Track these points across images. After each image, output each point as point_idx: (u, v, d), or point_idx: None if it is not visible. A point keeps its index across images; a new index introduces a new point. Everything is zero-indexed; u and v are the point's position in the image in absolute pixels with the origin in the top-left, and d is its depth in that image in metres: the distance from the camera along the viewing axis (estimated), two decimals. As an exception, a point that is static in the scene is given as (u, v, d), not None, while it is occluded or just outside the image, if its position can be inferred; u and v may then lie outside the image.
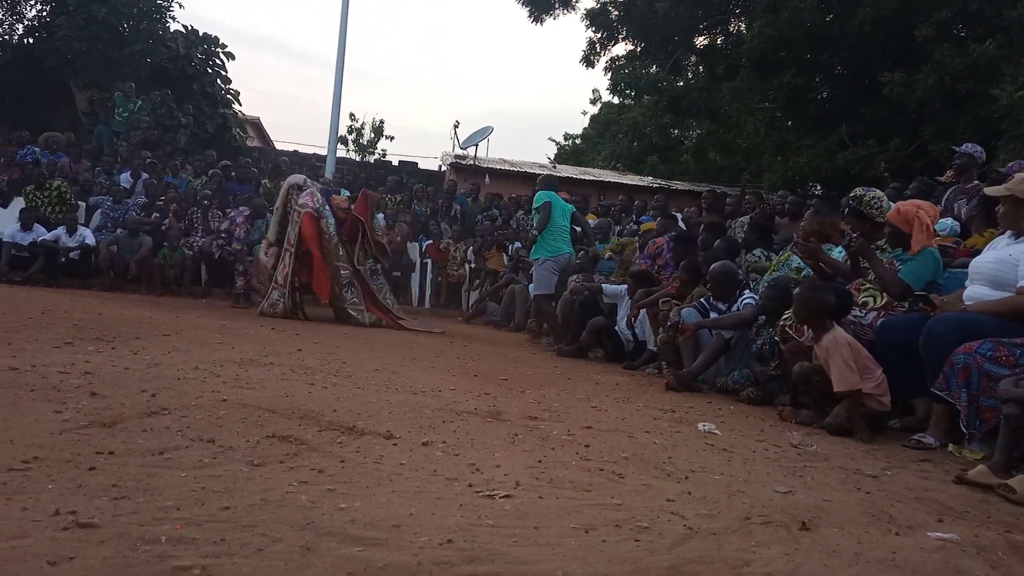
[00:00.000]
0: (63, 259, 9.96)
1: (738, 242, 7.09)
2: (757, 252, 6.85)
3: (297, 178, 8.74)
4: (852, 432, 3.92)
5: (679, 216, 10.71)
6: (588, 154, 29.30)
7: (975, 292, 3.98)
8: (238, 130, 18.41)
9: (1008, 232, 4.06)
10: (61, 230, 10.03)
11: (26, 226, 9.95)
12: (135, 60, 15.95)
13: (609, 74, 18.31)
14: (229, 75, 18.03)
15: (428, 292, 11.99)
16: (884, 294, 4.55)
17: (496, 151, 21.09)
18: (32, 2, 16.83)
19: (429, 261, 11.95)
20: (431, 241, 12.18)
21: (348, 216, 8.48)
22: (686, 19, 15.99)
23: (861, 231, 4.86)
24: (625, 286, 7.34)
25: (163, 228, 10.66)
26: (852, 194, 5.20)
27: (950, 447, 3.71)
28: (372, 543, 1.83)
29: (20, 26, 16.95)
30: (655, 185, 18.32)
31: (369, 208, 8.67)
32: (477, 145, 17.75)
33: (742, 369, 5.42)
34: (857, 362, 3.97)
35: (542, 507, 2.26)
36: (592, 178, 19.26)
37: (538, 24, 17.96)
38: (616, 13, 17.16)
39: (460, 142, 17.94)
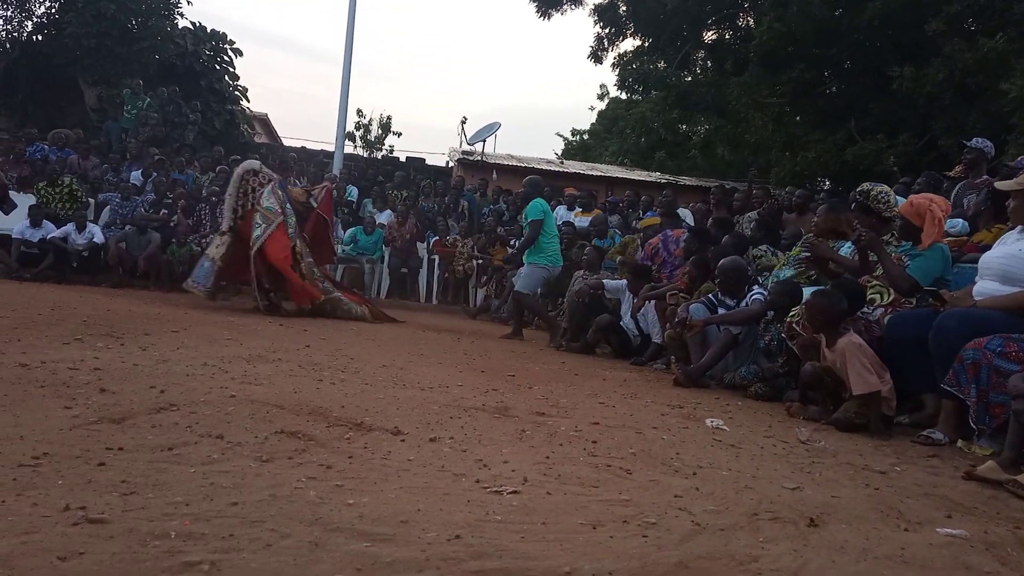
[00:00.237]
0: (74, 262, 10.01)
1: (746, 238, 7.07)
2: (763, 248, 6.83)
3: (253, 164, 8.40)
4: (859, 428, 3.91)
5: (687, 212, 10.70)
6: (595, 150, 29.27)
7: (985, 287, 3.96)
8: (246, 126, 18.46)
9: (1018, 227, 4.04)
10: (71, 227, 10.07)
11: (35, 223, 10.00)
12: (143, 57, 16.01)
13: (617, 70, 18.28)
14: (237, 71, 18.10)
15: (435, 288, 11.98)
16: (891, 291, 4.53)
17: (503, 147, 21.08)
18: (41, -1, 16.92)
19: (436, 257, 11.95)
20: (438, 237, 12.17)
21: (311, 213, 8.30)
22: (694, 14, 15.92)
23: (868, 226, 4.84)
24: (625, 281, 7.33)
25: (171, 224, 10.71)
26: (859, 189, 5.18)
27: (959, 443, 3.70)
28: (380, 539, 1.83)
29: (29, 23, 17.03)
30: (663, 181, 18.29)
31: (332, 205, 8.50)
32: (484, 141, 17.75)
33: (750, 365, 5.41)
34: (873, 364, 3.95)
35: (550, 503, 2.26)
36: (600, 174, 19.24)
37: (546, 19, 17.94)
38: (624, 8, 17.10)
39: (467, 138, 17.95)
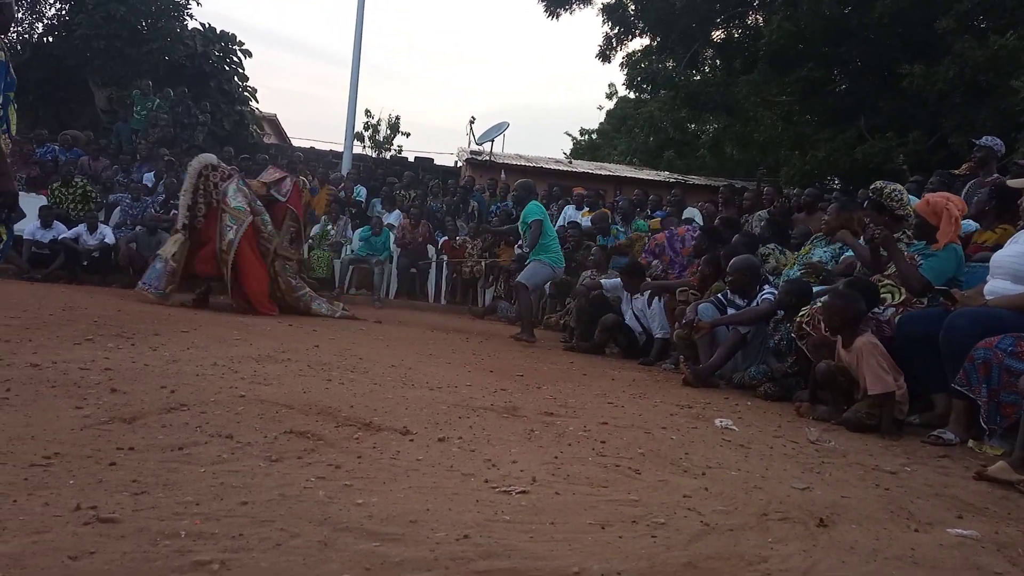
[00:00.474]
0: (85, 262, 10.05)
1: (756, 237, 7.06)
2: (770, 247, 6.82)
3: (210, 158, 8.03)
4: (869, 428, 3.89)
5: (695, 211, 10.70)
6: (604, 149, 29.27)
7: (996, 286, 3.94)
8: (255, 127, 18.51)
9: (1031, 226, 4.02)
10: (82, 227, 10.12)
11: (46, 223, 10.05)
12: (153, 58, 16.07)
13: (625, 69, 18.26)
14: (246, 72, 18.14)
15: (444, 289, 11.99)
16: (903, 290, 4.51)
17: (512, 147, 21.10)
18: (51, 1, 17.00)
19: (444, 257, 11.96)
20: (447, 238, 12.17)
21: (277, 206, 8.05)
22: (703, 12, 15.90)
23: (881, 224, 4.82)
24: (619, 280, 7.32)
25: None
26: (872, 186, 5.17)
27: (970, 443, 3.68)
28: (389, 538, 1.84)
29: (40, 25, 17.13)
30: (672, 180, 18.26)
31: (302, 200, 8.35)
32: (493, 141, 17.75)
33: (759, 365, 5.40)
34: (889, 365, 3.94)
35: (558, 503, 2.26)
36: (608, 173, 19.22)
37: (554, 19, 17.93)
38: (633, 7, 17.08)
39: (476, 138, 17.95)
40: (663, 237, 7.93)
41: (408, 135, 28.84)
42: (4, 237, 4.18)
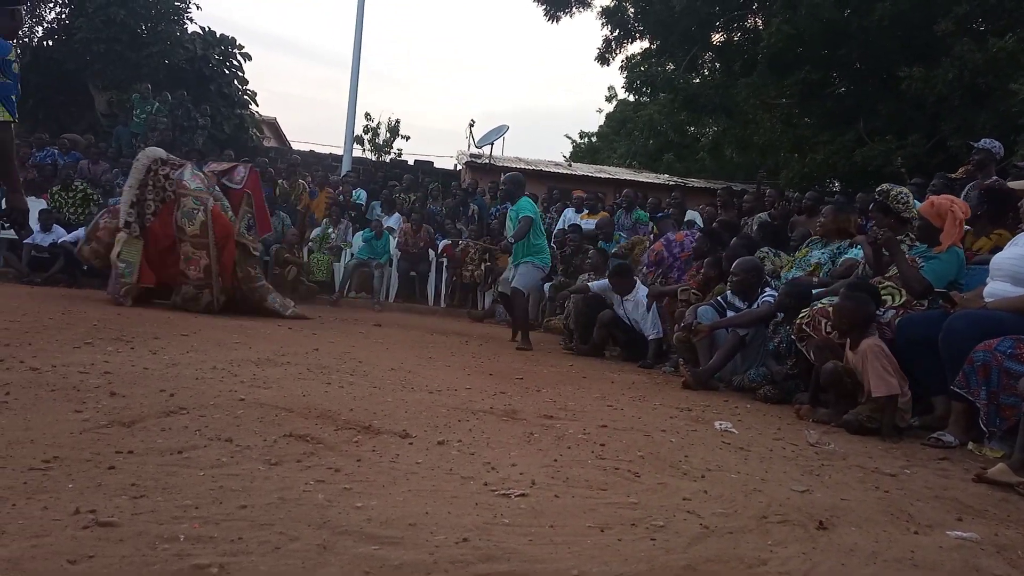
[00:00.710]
0: (85, 266, 10.04)
1: (754, 239, 7.06)
2: (764, 250, 6.82)
3: (158, 151, 7.82)
4: (870, 431, 3.89)
5: (695, 214, 10.71)
6: (604, 152, 29.30)
7: (996, 289, 3.94)
8: (255, 131, 18.53)
9: (1030, 229, 4.02)
10: (82, 231, 10.10)
11: (45, 227, 10.05)
12: (153, 61, 16.10)
13: (625, 72, 18.28)
14: (246, 76, 18.17)
15: (443, 292, 11.99)
16: (903, 292, 4.51)
17: (511, 150, 21.15)
18: (51, 5, 17.02)
19: (445, 260, 11.96)
20: (448, 241, 12.17)
21: (234, 192, 7.93)
22: (702, 16, 15.92)
23: (886, 226, 4.81)
24: (607, 281, 7.31)
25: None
26: (879, 189, 5.18)
27: (970, 445, 3.68)
28: (388, 542, 1.84)
29: (40, 28, 17.17)
30: (671, 183, 18.28)
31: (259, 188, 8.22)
32: (492, 144, 17.76)
33: (759, 367, 5.40)
34: (894, 369, 3.93)
35: (558, 506, 2.26)
36: (608, 176, 19.24)
37: (554, 22, 17.94)
38: (632, 10, 17.10)
39: (475, 141, 17.95)
40: (660, 246, 7.93)
41: (408, 138, 28.98)
42: None
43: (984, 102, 11.15)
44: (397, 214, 12.81)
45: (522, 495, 2.32)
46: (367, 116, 27.44)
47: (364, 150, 25.54)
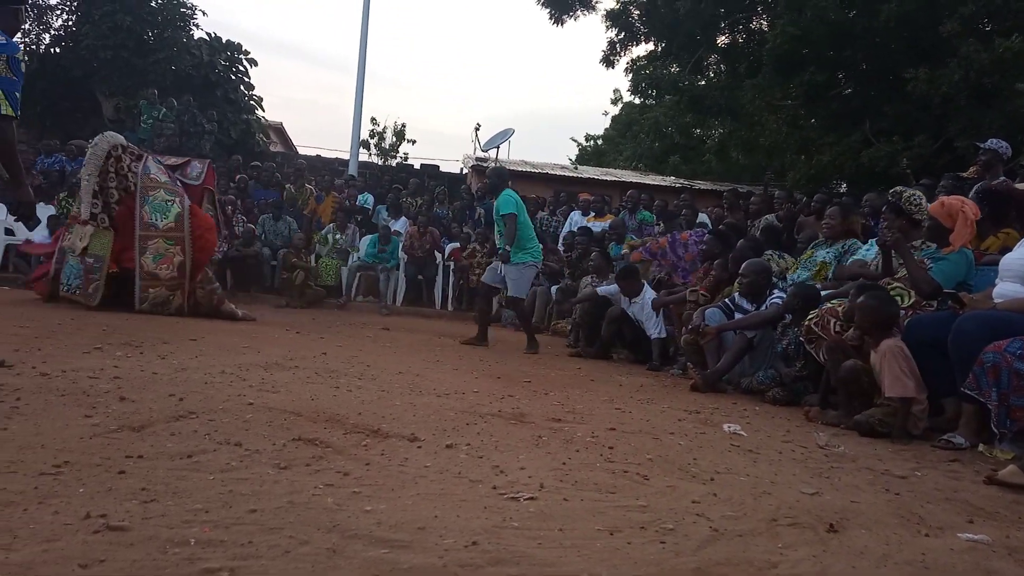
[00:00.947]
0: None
1: (761, 241, 7.04)
2: (768, 253, 6.81)
3: (117, 137, 7.41)
4: (880, 434, 3.87)
5: (704, 216, 10.70)
6: (610, 155, 29.28)
7: (1005, 290, 3.93)
8: (261, 136, 18.57)
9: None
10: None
11: (54, 233, 10.08)
12: (160, 68, 16.13)
13: (630, 74, 18.26)
14: (252, 81, 18.20)
15: (451, 296, 11.98)
16: (912, 293, 4.49)
17: (517, 153, 21.16)
18: (58, 12, 17.09)
19: (452, 263, 11.96)
20: (457, 245, 12.17)
21: (194, 189, 7.70)
22: (707, 18, 15.89)
23: (898, 228, 4.80)
24: (616, 286, 7.28)
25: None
26: (892, 191, 5.17)
27: (980, 447, 3.66)
28: (397, 545, 1.84)
29: (47, 36, 17.22)
30: (677, 185, 18.25)
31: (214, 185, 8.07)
32: (498, 147, 17.75)
33: (767, 370, 5.38)
34: (912, 373, 3.91)
35: (567, 509, 2.26)
36: (614, 179, 19.23)
37: (559, 25, 17.95)
38: (637, 13, 17.09)
39: (481, 145, 17.96)
40: (665, 241, 7.92)
41: (414, 142, 29.02)
42: None
43: (991, 102, 11.10)
44: (404, 218, 12.83)
45: (531, 498, 2.32)
46: (373, 120, 27.49)
47: (370, 154, 25.58)
